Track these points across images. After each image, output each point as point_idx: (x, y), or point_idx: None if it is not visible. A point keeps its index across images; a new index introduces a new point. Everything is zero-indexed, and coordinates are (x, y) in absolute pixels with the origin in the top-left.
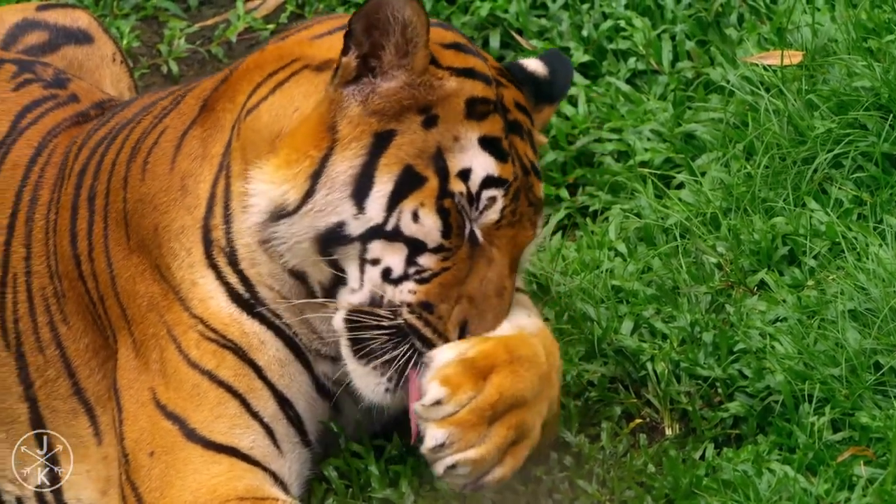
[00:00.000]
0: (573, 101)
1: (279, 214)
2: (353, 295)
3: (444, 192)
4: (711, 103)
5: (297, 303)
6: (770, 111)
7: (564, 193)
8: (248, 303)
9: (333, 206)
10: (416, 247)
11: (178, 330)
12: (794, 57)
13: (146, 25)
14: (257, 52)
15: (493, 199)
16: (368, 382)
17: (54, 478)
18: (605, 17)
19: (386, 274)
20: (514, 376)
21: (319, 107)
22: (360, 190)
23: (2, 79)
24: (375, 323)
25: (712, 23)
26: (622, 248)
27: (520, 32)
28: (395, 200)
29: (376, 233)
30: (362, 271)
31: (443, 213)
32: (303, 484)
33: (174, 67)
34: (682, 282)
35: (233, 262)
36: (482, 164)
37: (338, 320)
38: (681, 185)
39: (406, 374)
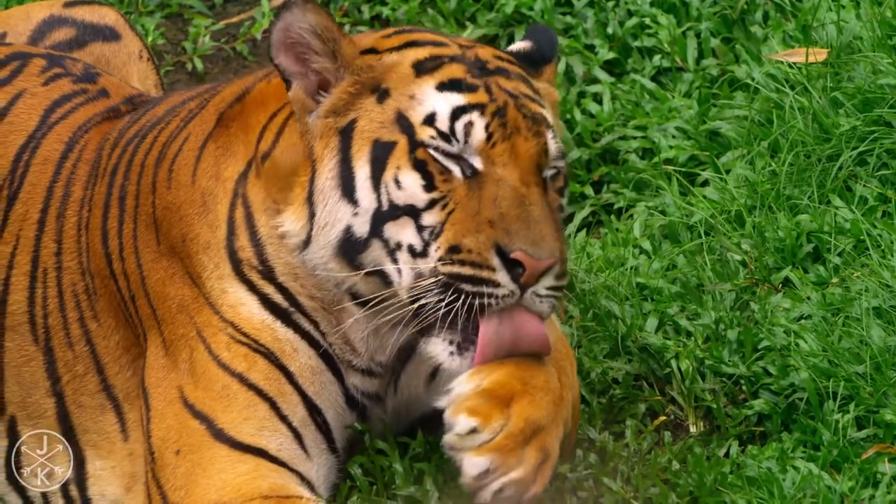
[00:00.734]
0: (598, 99)
1: (302, 246)
2: (402, 287)
3: (414, 145)
4: (736, 101)
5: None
6: (795, 109)
7: (589, 191)
8: (286, 311)
9: (333, 214)
10: (414, 211)
11: (207, 332)
12: (819, 54)
13: (171, 23)
14: (267, 81)
15: (470, 124)
16: (438, 350)
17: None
18: (630, 14)
19: (412, 251)
20: (532, 404)
21: (301, 141)
22: (347, 186)
23: (31, 73)
24: (429, 296)
25: (737, 20)
26: (647, 245)
27: None
28: (376, 178)
29: (379, 218)
30: (395, 261)
31: (419, 165)
32: (329, 489)
33: (199, 65)
34: (706, 279)
35: (269, 277)
36: (445, 102)
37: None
38: (705, 183)
39: (471, 327)
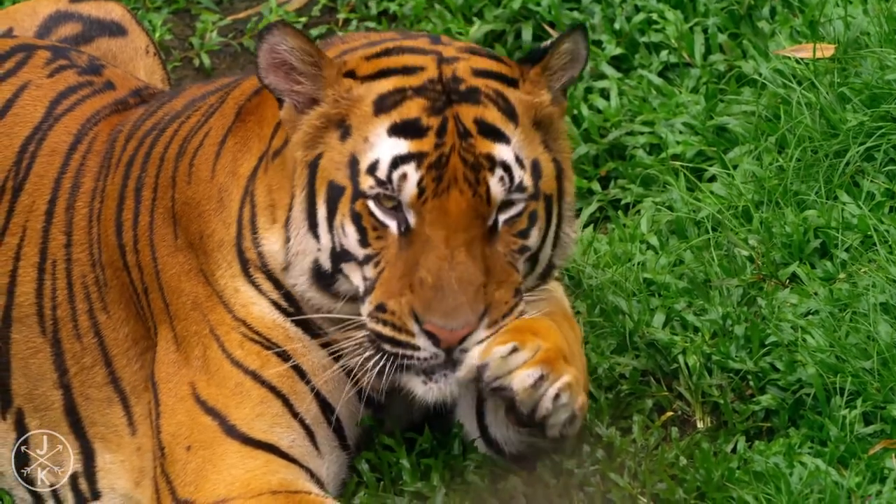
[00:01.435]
0: (605, 94)
1: (284, 267)
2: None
3: (356, 195)
4: (743, 96)
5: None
6: (802, 104)
7: (596, 186)
8: (294, 314)
9: (304, 245)
10: (357, 261)
11: (220, 330)
12: (827, 50)
13: (178, 18)
14: None
15: (404, 177)
16: (413, 383)
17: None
18: (637, 9)
19: (359, 293)
20: (554, 336)
21: (290, 161)
22: (311, 221)
23: (36, 65)
24: (366, 346)
25: (744, 16)
26: (654, 240)
27: (552, 25)
28: (330, 221)
29: (337, 257)
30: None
31: (356, 218)
32: (339, 485)
33: (206, 60)
34: (713, 275)
35: (273, 280)
36: (389, 149)
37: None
38: (713, 178)
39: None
